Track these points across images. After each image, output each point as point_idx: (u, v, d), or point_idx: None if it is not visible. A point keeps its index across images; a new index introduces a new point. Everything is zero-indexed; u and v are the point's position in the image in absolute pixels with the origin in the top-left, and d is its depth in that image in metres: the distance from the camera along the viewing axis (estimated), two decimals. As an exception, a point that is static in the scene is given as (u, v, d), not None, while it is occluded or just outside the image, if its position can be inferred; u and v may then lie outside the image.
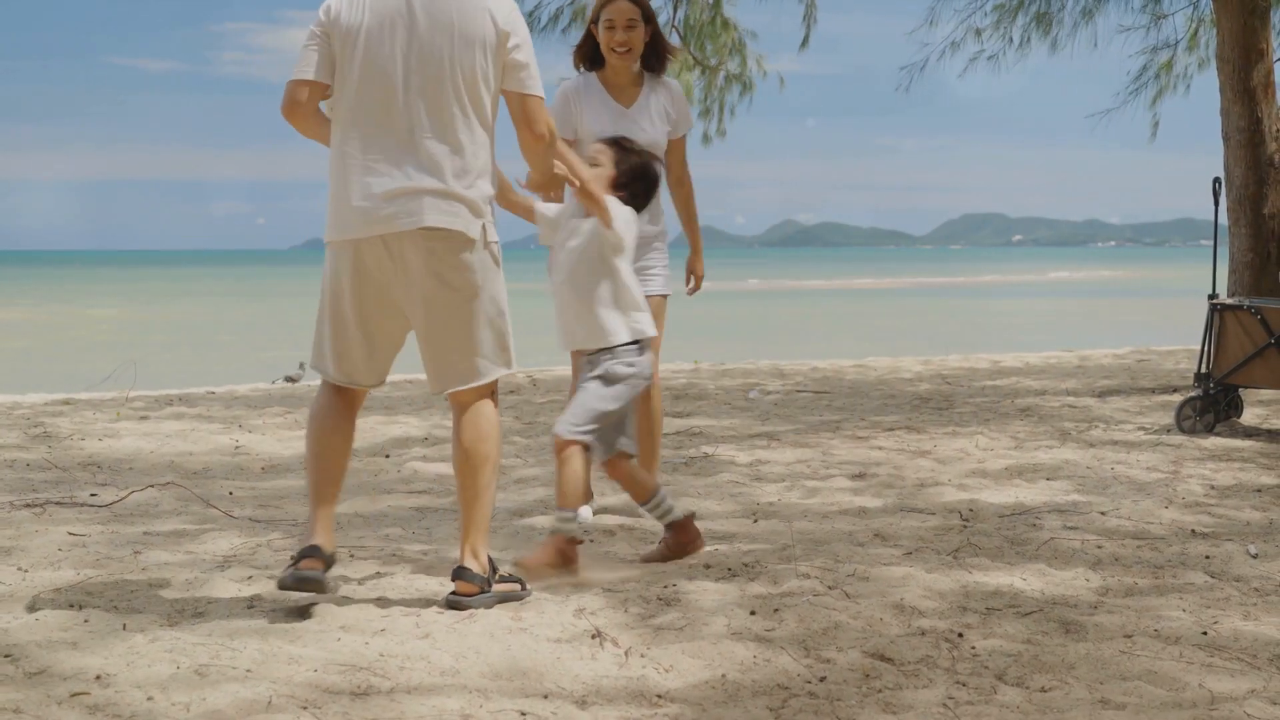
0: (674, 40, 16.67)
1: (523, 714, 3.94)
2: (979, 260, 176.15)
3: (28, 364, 24.23)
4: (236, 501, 7.44)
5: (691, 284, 7.41)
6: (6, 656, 4.37)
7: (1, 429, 10.44)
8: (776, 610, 4.90)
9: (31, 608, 5.05)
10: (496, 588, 5.09)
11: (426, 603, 5.08)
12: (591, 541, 6.26)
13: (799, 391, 13.28)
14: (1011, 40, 16.50)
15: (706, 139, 17.31)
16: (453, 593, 5.02)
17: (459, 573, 5.04)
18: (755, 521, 6.77)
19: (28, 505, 6.91)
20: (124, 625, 4.79)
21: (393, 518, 6.98)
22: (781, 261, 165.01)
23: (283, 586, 4.91)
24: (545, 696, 4.10)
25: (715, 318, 35.53)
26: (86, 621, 4.81)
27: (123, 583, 5.44)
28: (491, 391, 5.24)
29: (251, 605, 5.10)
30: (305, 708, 3.92)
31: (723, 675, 4.26)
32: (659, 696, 4.12)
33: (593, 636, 4.63)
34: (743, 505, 7.23)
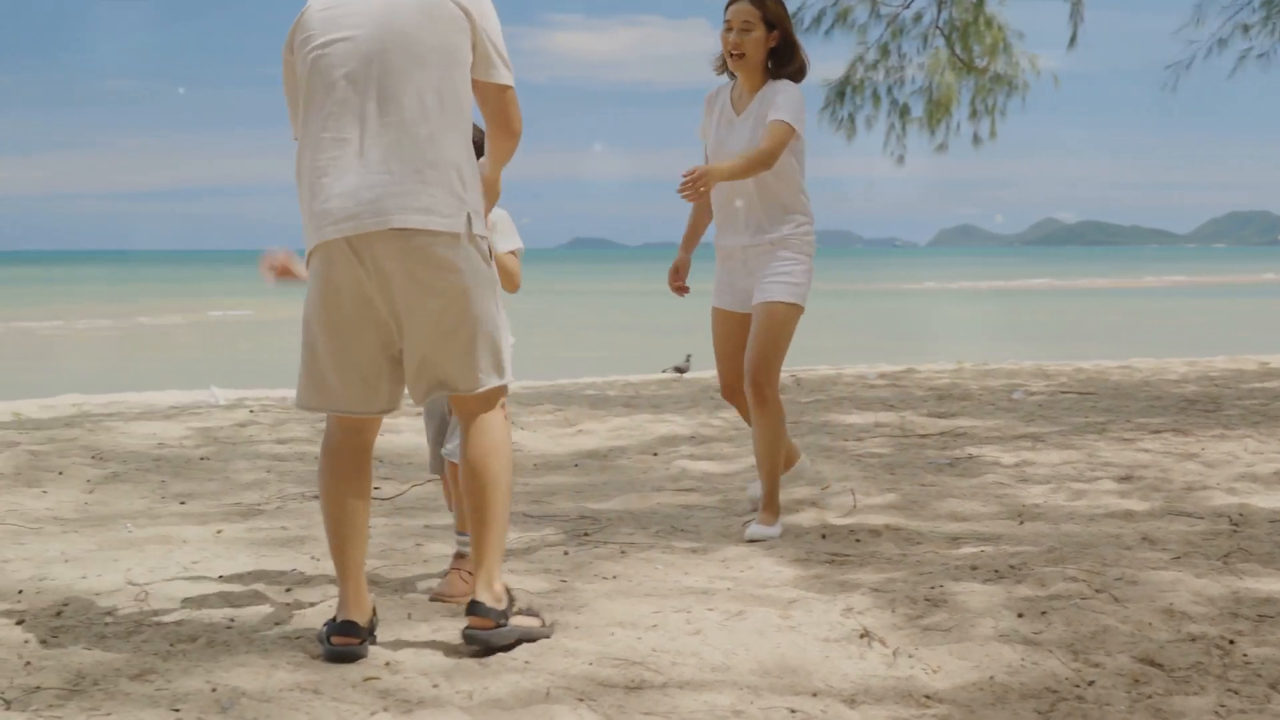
0: (938, 43, 16.54)
1: (792, 711, 4.01)
2: (1245, 259, 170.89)
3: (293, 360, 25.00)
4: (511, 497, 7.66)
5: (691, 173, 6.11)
6: (303, 639, 4.65)
7: (291, 423, 10.92)
8: (1044, 613, 4.89)
9: (325, 595, 5.31)
10: (514, 621, 4.63)
11: (697, 599, 5.16)
12: (859, 542, 6.34)
13: (1063, 392, 13.14)
14: (1281, 36, 16.10)
15: (977, 141, 17.18)
16: (468, 627, 4.57)
17: (472, 607, 4.58)
18: (1021, 523, 6.76)
19: (317, 497, 7.21)
20: (409, 614, 5.00)
21: (661, 515, 7.12)
22: (1041, 260, 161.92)
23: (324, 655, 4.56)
24: (814, 694, 4.17)
25: (976, 317, 35.19)
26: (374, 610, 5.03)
27: (407, 573, 5.69)
28: (500, 403, 4.77)
29: (528, 599, 5.28)
30: (582, 700, 4.06)
31: (990, 677, 4.29)
32: (927, 697, 4.17)
33: (861, 636, 4.68)
34: (1008, 507, 7.22)
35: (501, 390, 4.75)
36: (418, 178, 4.47)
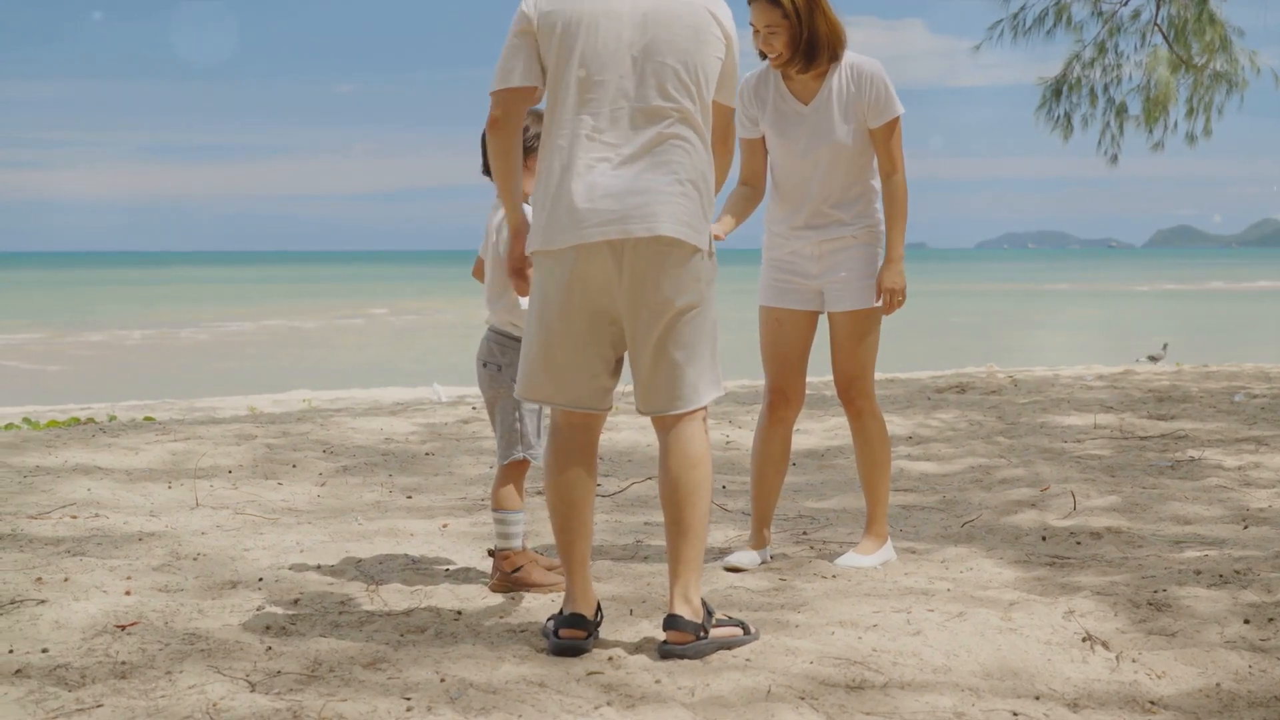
0: (1155, 40, 16.22)
1: (1015, 714, 4.01)
2: None
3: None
4: (729, 495, 7.73)
5: (881, 301, 5.93)
6: (528, 633, 4.77)
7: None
8: (1271, 620, 4.82)
9: (547, 590, 5.44)
10: (714, 633, 4.61)
11: (917, 600, 5.18)
12: (1079, 544, 6.29)
13: (1288, 395, 12.86)
14: None
15: (1191, 139, 16.88)
16: (664, 642, 4.55)
17: (670, 621, 4.57)
18: (1245, 528, 6.66)
19: (539, 493, 7.34)
20: (631, 610, 5.08)
21: (879, 515, 7.13)
22: (1260, 262, 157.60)
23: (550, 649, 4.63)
24: (1037, 698, 4.16)
25: (1196, 318, 34.45)
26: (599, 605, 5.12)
27: (629, 570, 5.77)
28: (703, 415, 4.73)
29: (749, 598, 5.34)
30: (803, 698, 4.09)
31: (1217, 684, 4.25)
32: (1152, 703, 4.14)
33: (1083, 640, 4.66)
34: (1232, 510, 7.11)
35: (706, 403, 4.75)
36: (681, 189, 4.53)
